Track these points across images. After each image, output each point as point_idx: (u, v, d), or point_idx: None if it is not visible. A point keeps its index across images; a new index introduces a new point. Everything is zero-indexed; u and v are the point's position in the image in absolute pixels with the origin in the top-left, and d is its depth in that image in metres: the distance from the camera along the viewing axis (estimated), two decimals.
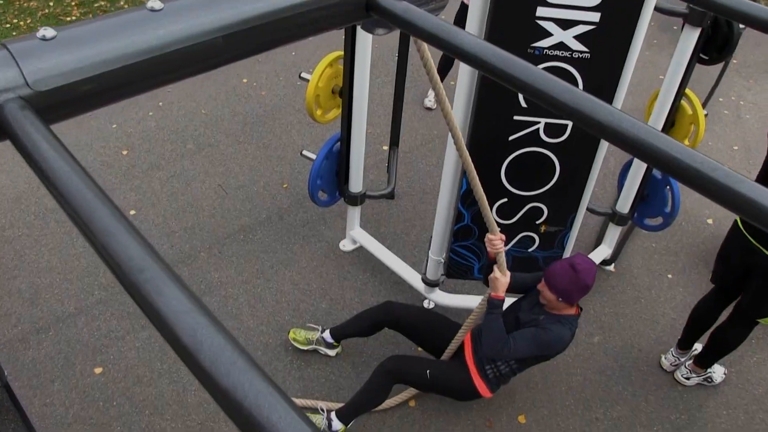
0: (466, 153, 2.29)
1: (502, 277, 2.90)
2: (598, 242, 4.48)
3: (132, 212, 4.48)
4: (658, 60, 6.57)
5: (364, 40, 3.29)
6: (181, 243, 4.30)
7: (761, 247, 3.14)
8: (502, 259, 2.87)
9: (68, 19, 6.60)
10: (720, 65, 3.75)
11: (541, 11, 2.70)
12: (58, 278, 4.01)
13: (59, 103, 0.64)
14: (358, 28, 3.22)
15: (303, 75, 3.70)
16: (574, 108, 0.69)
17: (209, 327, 0.45)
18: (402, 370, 3.26)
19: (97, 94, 0.67)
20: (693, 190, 0.66)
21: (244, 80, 5.87)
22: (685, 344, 3.77)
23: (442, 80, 5.03)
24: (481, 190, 2.46)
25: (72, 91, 0.64)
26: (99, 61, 0.65)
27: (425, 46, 2.22)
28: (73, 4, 6.85)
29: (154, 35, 0.68)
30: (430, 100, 5.73)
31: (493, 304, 2.94)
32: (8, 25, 6.44)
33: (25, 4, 6.82)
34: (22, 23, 6.49)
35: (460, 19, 4.98)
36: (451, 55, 0.81)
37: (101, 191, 0.57)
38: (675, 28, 7.22)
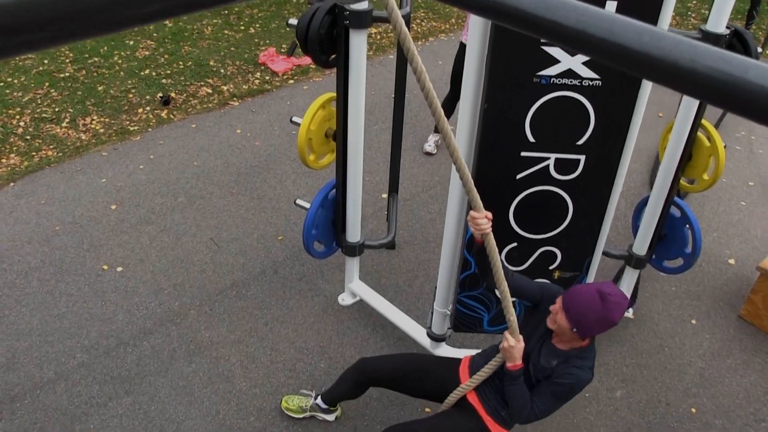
0: (472, 187, 2.04)
1: (517, 343, 2.54)
2: None
3: (119, 269, 4.23)
4: (658, 98, 6.39)
5: (358, 77, 3.09)
6: (170, 300, 4.04)
7: None
8: (514, 321, 2.51)
9: (62, 75, 6.48)
10: None
11: None
12: (38, 340, 3.74)
13: None
14: (351, 64, 3.04)
15: (294, 119, 3.50)
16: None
17: None
18: None
19: None
20: None
21: (238, 131, 5.70)
22: None
23: None
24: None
25: None
26: None
27: (425, 75, 2.01)
28: (66, 61, 6.74)
29: None
30: (430, 145, 5.53)
31: (512, 376, 2.57)
32: (2, 84, 6.31)
33: (20, 63, 6.72)
34: (16, 81, 6.36)
35: (461, 60, 4.83)
36: (453, 4, 0.57)
37: None
38: None
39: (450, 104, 5.16)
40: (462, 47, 4.83)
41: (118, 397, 3.46)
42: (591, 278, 3.36)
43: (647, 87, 2.69)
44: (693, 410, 3.58)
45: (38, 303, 3.97)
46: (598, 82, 2.62)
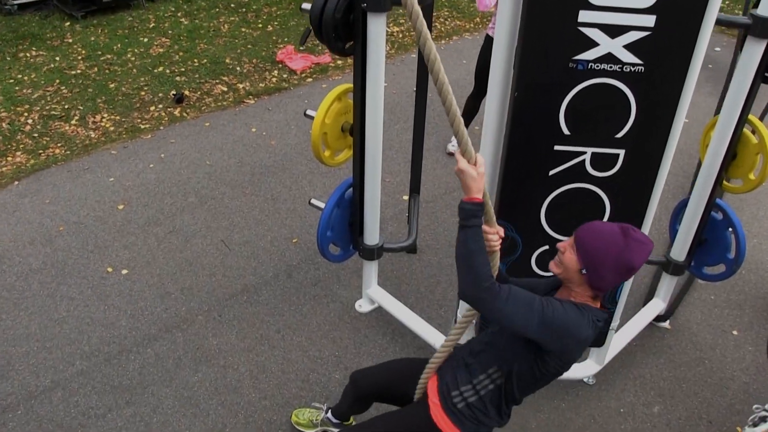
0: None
1: (471, 169, 1.89)
2: (649, 296, 3.94)
3: (124, 271, 4.03)
4: (695, 99, 6.11)
5: (377, 66, 2.86)
6: (176, 305, 3.82)
7: None
8: (466, 141, 1.88)
9: (73, 72, 6.32)
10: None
11: (584, 16, 2.25)
12: (36, 346, 3.54)
13: None
14: (369, 52, 2.80)
15: (308, 112, 3.26)
16: None
17: None
18: None
19: None
20: None
21: (253, 129, 5.49)
22: None
23: (467, 126, 4.60)
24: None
25: None
26: None
27: (439, 64, 1.80)
28: (78, 58, 6.60)
29: None
30: (453, 145, 5.29)
31: (463, 211, 1.93)
32: (12, 81, 6.17)
33: (31, 60, 6.59)
34: (26, 78, 6.22)
35: (486, 53, 4.59)
36: None
37: None
38: (710, 66, 6.82)
39: (475, 101, 4.92)
40: (487, 40, 4.59)
41: (118, 408, 3.24)
42: (628, 285, 3.11)
43: (694, 74, 2.43)
44: (738, 429, 3.30)
45: (38, 307, 3.77)
46: (640, 68, 2.36)
